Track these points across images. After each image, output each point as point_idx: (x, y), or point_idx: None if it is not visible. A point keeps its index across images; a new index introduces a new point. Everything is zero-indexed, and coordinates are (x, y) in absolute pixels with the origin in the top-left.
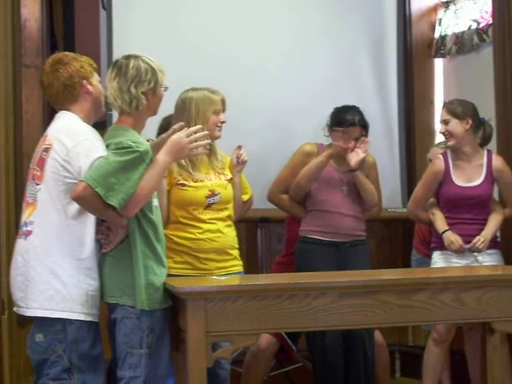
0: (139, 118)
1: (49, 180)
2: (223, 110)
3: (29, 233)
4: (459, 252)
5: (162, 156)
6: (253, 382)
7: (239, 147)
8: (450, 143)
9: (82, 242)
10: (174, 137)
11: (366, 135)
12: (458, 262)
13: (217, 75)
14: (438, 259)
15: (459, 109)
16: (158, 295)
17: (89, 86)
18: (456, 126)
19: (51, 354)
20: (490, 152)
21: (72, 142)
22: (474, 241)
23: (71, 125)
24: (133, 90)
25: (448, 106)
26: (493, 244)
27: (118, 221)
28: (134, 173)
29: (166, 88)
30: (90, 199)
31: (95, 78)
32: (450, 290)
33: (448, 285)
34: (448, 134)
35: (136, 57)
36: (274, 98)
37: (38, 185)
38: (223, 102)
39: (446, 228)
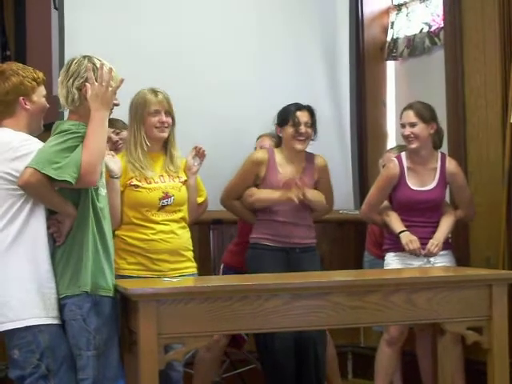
0: (84, 115)
1: None
2: (165, 111)
3: None
4: (415, 253)
5: (93, 112)
6: (205, 376)
7: (195, 148)
8: (412, 146)
9: (36, 245)
10: (91, 91)
11: (314, 120)
12: (411, 263)
13: (168, 78)
14: (391, 260)
15: (427, 113)
16: (104, 281)
17: (26, 103)
18: (422, 129)
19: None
20: (443, 155)
21: (12, 154)
22: (428, 246)
23: (5, 139)
24: (69, 84)
25: (416, 110)
26: (445, 245)
27: (64, 208)
28: (77, 149)
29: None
30: (38, 184)
31: (37, 93)
32: (402, 291)
33: (400, 286)
34: (413, 137)
35: (86, 57)
36: (225, 101)
37: None
38: (164, 102)
39: (404, 228)
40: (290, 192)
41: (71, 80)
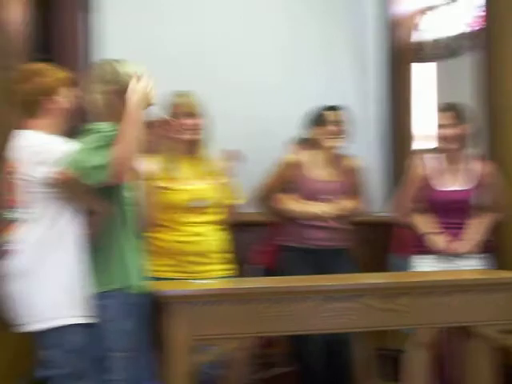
0: (115, 117)
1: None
2: (192, 114)
3: (15, 252)
4: (443, 254)
5: (129, 111)
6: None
7: (230, 151)
8: (449, 146)
9: (67, 245)
10: (129, 91)
11: (345, 120)
12: (438, 265)
13: (192, 77)
14: (419, 263)
15: (463, 114)
16: (136, 281)
17: (50, 104)
18: (459, 130)
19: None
20: (480, 157)
21: (35, 157)
22: (456, 244)
23: (28, 142)
24: (100, 87)
25: (454, 110)
26: (482, 248)
27: (96, 206)
28: (108, 149)
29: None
30: (70, 184)
31: (62, 94)
32: (433, 293)
33: (431, 288)
34: (449, 138)
35: (116, 60)
36: (250, 101)
37: (16, 208)
38: (190, 105)
39: (435, 230)
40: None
41: (102, 83)
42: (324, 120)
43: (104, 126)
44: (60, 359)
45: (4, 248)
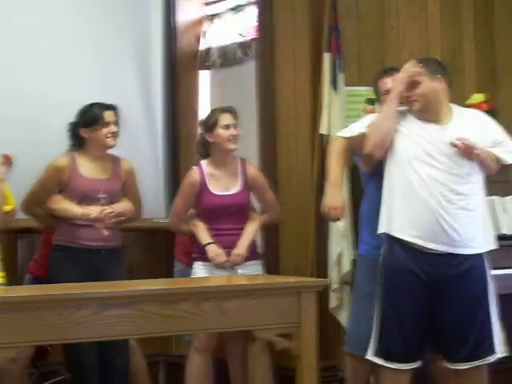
0: None
1: None
2: None
3: None
4: (222, 267)
5: None
6: None
7: (2, 155)
8: (235, 147)
9: None
10: None
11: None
12: (218, 273)
13: None
14: (198, 270)
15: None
16: None
17: None
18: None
19: None
20: (243, 160)
21: None
22: (231, 258)
23: None
24: None
25: (236, 113)
26: (253, 255)
27: None
28: None
29: None
30: None
31: None
32: (211, 299)
33: (209, 294)
34: (236, 139)
35: None
36: (31, 111)
37: None
38: None
39: (210, 241)
40: (91, 211)
41: None
42: (102, 120)
43: None
44: None
45: None
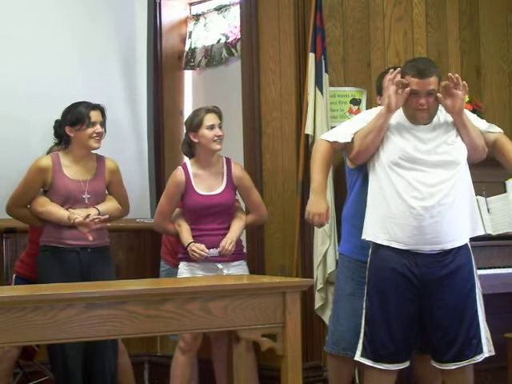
0: None
1: None
2: None
3: None
4: (206, 261)
5: None
6: None
7: None
8: (219, 147)
9: None
10: None
11: (104, 118)
12: (203, 274)
13: None
14: (184, 270)
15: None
16: None
17: None
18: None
19: None
20: (228, 159)
21: None
22: (222, 243)
23: None
24: None
25: (220, 113)
26: (238, 255)
27: None
28: None
29: None
30: None
31: None
32: (197, 299)
33: (194, 294)
34: (221, 139)
35: None
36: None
37: None
38: None
39: (191, 240)
40: (77, 215)
41: None
42: (88, 119)
43: None
44: None
45: None
